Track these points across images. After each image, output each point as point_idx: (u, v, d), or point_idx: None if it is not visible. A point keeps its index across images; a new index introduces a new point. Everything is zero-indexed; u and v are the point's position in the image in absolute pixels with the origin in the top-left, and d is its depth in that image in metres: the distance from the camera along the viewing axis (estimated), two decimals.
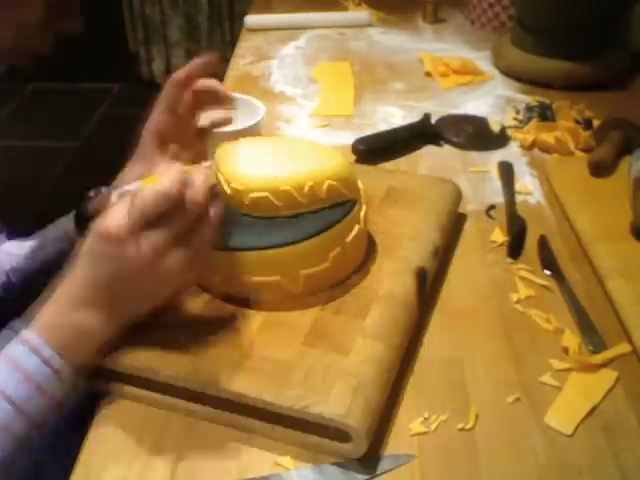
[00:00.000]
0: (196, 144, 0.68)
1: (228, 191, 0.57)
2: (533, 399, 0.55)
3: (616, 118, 0.92)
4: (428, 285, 0.63)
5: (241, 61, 1.23)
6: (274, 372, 0.51)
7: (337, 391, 0.49)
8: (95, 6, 2.98)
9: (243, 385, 0.50)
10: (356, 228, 0.60)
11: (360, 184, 0.62)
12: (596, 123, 0.95)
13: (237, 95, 0.90)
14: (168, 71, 3.03)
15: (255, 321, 0.56)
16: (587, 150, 0.89)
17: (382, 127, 0.97)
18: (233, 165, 0.58)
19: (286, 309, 0.57)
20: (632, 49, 1.15)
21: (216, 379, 0.51)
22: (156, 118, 0.66)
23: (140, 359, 0.53)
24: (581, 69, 1.07)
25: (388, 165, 0.88)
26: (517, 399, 0.54)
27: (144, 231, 0.48)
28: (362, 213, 0.61)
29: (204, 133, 0.69)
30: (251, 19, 1.40)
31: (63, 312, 0.50)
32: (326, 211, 0.58)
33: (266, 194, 0.56)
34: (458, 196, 0.75)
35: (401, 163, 0.89)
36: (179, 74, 0.65)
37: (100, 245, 0.49)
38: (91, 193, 0.63)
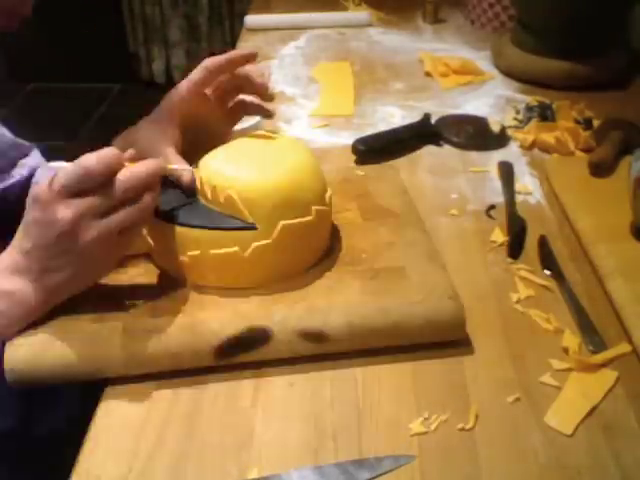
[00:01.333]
0: (223, 131, 0.69)
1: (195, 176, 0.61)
2: (533, 399, 0.55)
3: (616, 118, 0.92)
4: (268, 353, 0.57)
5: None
6: None
7: None
8: (95, 6, 3.00)
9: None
10: (231, 249, 0.58)
11: (291, 221, 0.58)
12: (596, 123, 0.95)
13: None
14: (168, 71, 3.03)
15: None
16: (587, 150, 0.89)
17: (382, 127, 0.97)
18: (209, 159, 0.61)
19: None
20: (632, 49, 1.15)
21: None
22: (181, 91, 0.64)
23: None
24: (581, 69, 1.07)
25: (388, 165, 0.88)
26: (517, 399, 0.54)
27: (69, 199, 0.50)
28: (257, 243, 0.58)
29: (232, 119, 0.69)
30: (251, 19, 1.40)
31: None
32: (222, 216, 0.58)
33: (200, 182, 0.60)
34: (451, 321, 0.59)
35: (401, 163, 0.89)
36: (217, 58, 0.65)
37: (30, 209, 0.51)
38: None
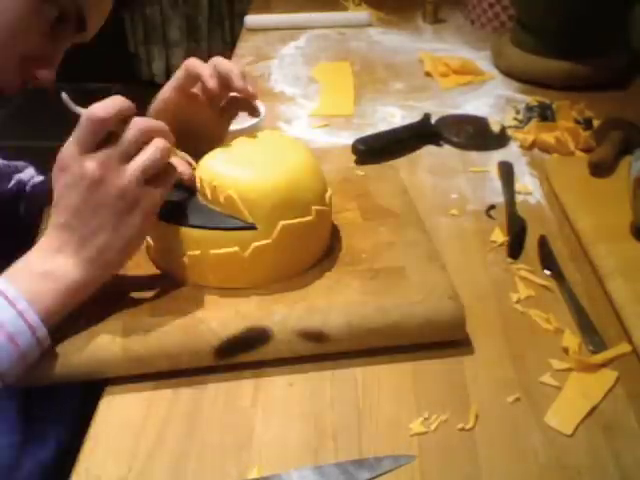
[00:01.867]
0: (218, 131, 0.68)
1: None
2: (533, 399, 0.55)
3: (616, 118, 0.92)
4: (267, 353, 0.56)
5: (241, 61, 1.23)
6: None
7: None
8: None
9: None
10: (231, 249, 0.58)
11: (291, 221, 0.58)
12: (596, 123, 0.95)
13: (237, 95, 0.90)
14: (168, 71, 3.03)
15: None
16: (587, 150, 0.89)
17: (382, 127, 0.97)
18: (210, 156, 0.61)
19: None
20: (632, 49, 1.15)
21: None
22: (163, 93, 0.66)
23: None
24: (581, 69, 1.07)
25: (388, 165, 0.88)
26: (517, 399, 0.54)
27: (91, 152, 0.50)
28: (256, 244, 0.58)
29: (227, 118, 0.68)
30: (251, 19, 1.40)
31: (35, 260, 0.52)
32: (222, 216, 0.58)
33: (200, 180, 0.59)
34: (450, 322, 0.59)
35: (401, 163, 0.89)
36: (196, 60, 0.64)
37: (57, 179, 0.52)
38: None
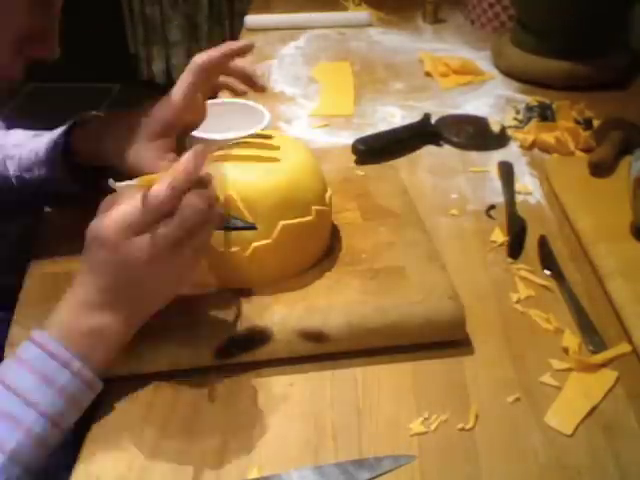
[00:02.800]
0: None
1: None
2: (533, 399, 0.55)
3: (616, 118, 0.92)
4: (267, 353, 0.56)
5: (241, 61, 1.23)
6: None
7: None
8: (95, 6, 2.99)
9: None
10: (232, 249, 0.58)
11: (291, 221, 0.58)
12: (596, 123, 0.95)
13: (240, 101, 0.90)
14: (168, 71, 3.03)
15: None
16: (587, 150, 0.89)
17: (382, 127, 0.97)
18: (210, 156, 0.60)
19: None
20: (632, 49, 1.15)
21: None
22: (175, 102, 0.62)
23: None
24: (581, 69, 1.07)
25: (388, 165, 0.88)
26: (517, 399, 0.54)
27: (138, 236, 0.48)
28: (256, 244, 0.58)
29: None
30: (251, 19, 1.40)
31: (79, 318, 0.49)
32: (226, 217, 0.56)
33: None
34: (450, 322, 0.59)
35: (401, 163, 0.89)
36: (211, 55, 0.62)
37: (95, 251, 0.49)
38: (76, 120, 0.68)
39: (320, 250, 0.64)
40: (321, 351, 0.57)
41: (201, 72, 0.62)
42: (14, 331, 0.58)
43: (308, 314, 0.57)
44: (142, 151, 0.62)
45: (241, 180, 0.58)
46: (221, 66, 0.64)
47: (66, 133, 0.68)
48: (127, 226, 0.47)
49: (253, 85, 0.68)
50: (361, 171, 0.80)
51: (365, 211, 0.71)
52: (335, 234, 0.67)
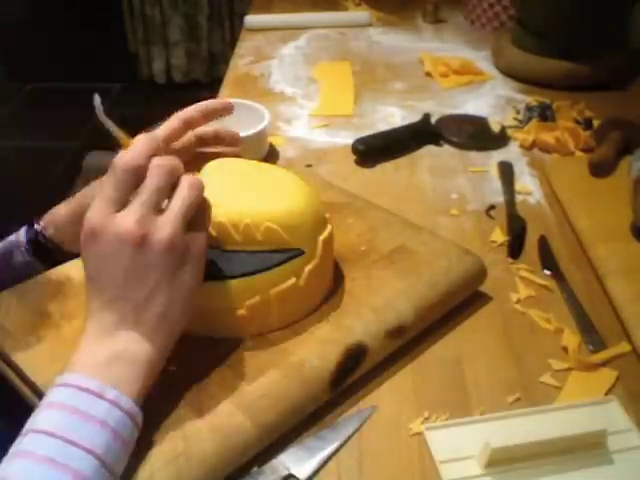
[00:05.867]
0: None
1: None
2: (533, 399, 0.55)
3: (616, 118, 0.92)
4: (364, 368, 0.55)
5: (241, 61, 1.23)
6: None
7: (157, 450, 0.45)
8: (95, 6, 3.00)
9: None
10: (290, 281, 0.54)
11: (326, 233, 0.56)
12: (596, 123, 0.95)
13: (240, 101, 0.90)
14: (168, 71, 3.03)
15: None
16: (587, 150, 0.89)
17: (382, 127, 0.97)
18: (215, 197, 0.55)
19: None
20: (632, 49, 1.15)
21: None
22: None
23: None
24: (581, 69, 1.07)
25: (388, 165, 0.89)
26: (517, 399, 0.54)
27: (121, 211, 0.45)
28: (309, 267, 0.55)
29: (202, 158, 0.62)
30: (251, 19, 1.40)
31: (97, 349, 0.45)
32: (264, 254, 0.53)
33: (222, 225, 0.52)
34: (477, 274, 0.64)
35: (401, 163, 0.89)
36: (190, 112, 0.60)
37: (90, 246, 0.46)
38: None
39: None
40: (402, 343, 0.58)
41: (177, 123, 0.59)
42: None
43: (381, 315, 0.57)
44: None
45: (274, 209, 0.54)
46: (199, 121, 0.60)
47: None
48: (106, 204, 0.45)
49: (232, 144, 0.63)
50: None
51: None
52: None
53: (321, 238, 0.56)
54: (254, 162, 0.61)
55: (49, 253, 0.64)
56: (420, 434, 0.51)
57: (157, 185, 0.46)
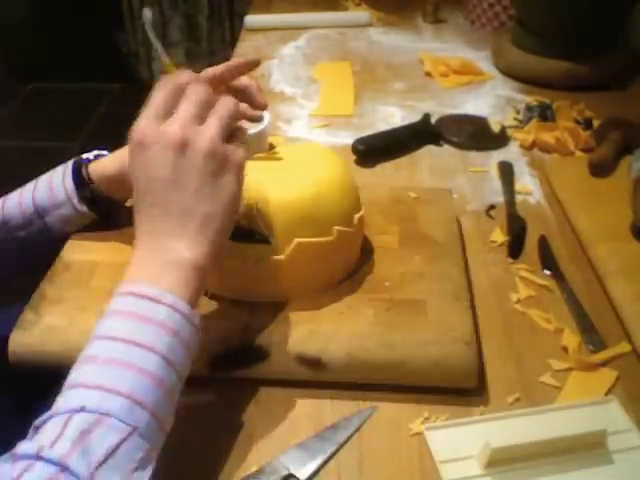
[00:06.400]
0: None
1: None
2: (533, 399, 0.55)
3: (616, 118, 0.92)
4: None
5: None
6: None
7: None
8: (95, 6, 2.99)
9: None
10: (234, 259, 0.56)
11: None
12: (596, 123, 0.95)
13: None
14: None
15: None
16: (587, 150, 0.89)
17: (382, 127, 0.97)
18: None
19: None
20: (632, 49, 1.15)
21: None
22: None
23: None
24: (581, 69, 1.07)
25: (388, 165, 0.88)
26: (517, 399, 0.54)
27: (166, 120, 0.47)
28: (274, 257, 0.56)
29: None
30: (251, 19, 1.40)
31: (150, 259, 0.47)
32: (244, 229, 0.55)
33: None
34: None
35: (401, 163, 0.89)
36: (215, 70, 0.61)
37: (136, 158, 0.48)
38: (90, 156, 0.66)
39: (340, 273, 0.61)
40: (317, 379, 0.55)
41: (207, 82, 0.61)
42: (27, 316, 0.58)
43: (309, 338, 0.55)
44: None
45: (261, 192, 0.56)
46: (226, 78, 0.62)
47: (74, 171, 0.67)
48: (152, 116, 0.47)
49: (253, 103, 0.65)
50: (414, 193, 0.74)
51: (404, 236, 0.67)
52: (365, 257, 0.63)
53: (298, 240, 0.56)
54: (315, 145, 0.67)
55: (99, 204, 0.67)
56: (420, 434, 0.51)
57: (199, 97, 0.48)
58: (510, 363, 0.58)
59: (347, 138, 0.93)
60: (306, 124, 1.00)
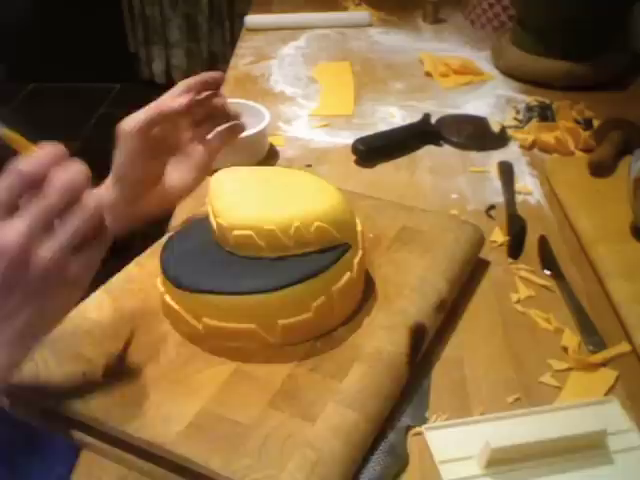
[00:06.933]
0: (193, 149, 0.66)
1: (214, 225, 0.55)
2: (533, 399, 0.54)
3: (616, 118, 0.92)
4: (426, 343, 0.57)
5: (241, 61, 1.23)
6: (229, 436, 0.46)
7: (293, 466, 0.44)
8: (95, 6, 2.99)
9: (191, 448, 0.45)
10: (346, 276, 0.54)
11: (359, 225, 0.58)
12: (596, 123, 0.95)
13: (240, 101, 0.90)
14: (168, 71, 3.03)
15: (224, 371, 0.51)
16: (587, 150, 0.89)
17: (382, 127, 0.97)
18: (221, 198, 0.55)
19: (260, 360, 0.52)
20: (632, 49, 1.15)
21: (163, 438, 0.46)
22: (142, 117, 0.61)
23: (89, 405, 0.48)
24: (581, 69, 1.07)
25: (388, 165, 0.89)
26: (517, 399, 0.54)
27: (8, 217, 0.41)
28: (356, 259, 0.56)
29: (212, 146, 0.66)
30: (251, 19, 1.40)
31: None
32: (314, 255, 0.53)
33: (249, 233, 0.52)
34: (479, 241, 0.68)
35: (401, 163, 0.89)
36: (189, 80, 0.63)
37: None
38: None
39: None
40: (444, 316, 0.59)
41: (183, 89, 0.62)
42: None
43: (422, 294, 0.58)
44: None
45: (320, 208, 0.54)
46: (198, 89, 0.63)
47: None
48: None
49: (229, 116, 0.66)
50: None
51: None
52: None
53: (359, 229, 0.57)
54: (266, 168, 0.62)
55: None
56: (420, 434, 0.51)
57: (51, 201, 0.42)
58: (510, 363, 0.58)
59: (347, 138, 0.93)
60: (306, 124, 1.00)
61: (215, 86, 0.65)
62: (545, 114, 0.98)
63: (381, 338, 0.54)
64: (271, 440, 0.46)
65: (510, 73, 1.14)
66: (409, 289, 0.59)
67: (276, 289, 0.51)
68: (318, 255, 0.53)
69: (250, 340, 0.52)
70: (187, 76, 0.64)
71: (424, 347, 0.56)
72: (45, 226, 0.42)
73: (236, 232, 0.52)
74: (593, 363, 0.57)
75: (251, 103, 0.91)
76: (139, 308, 0.57)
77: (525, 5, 1.13)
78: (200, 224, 0.58)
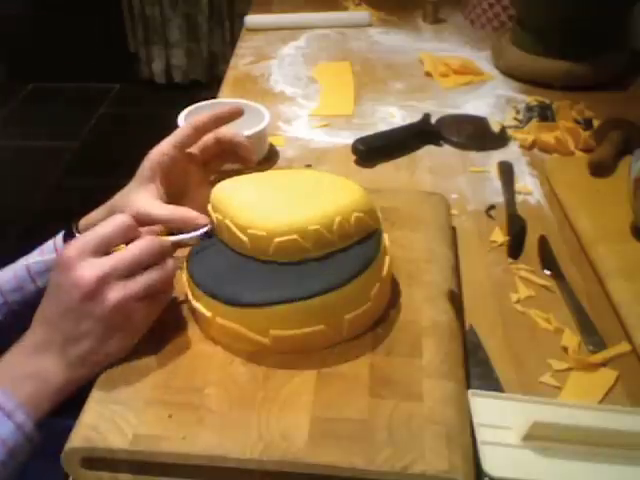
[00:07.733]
0: (199, 192, 0.66)
1: (244, 239, 0.52)
2: None
3: (616, 118, 0.92)
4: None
5: (241, 61, 1.23)
6: (353, 434, 0.46)
7: (430, 444, 0.45)
8: (95, 6, 3.00)
9: (329, 455, 0.44)
10: (387, 259, 0.56)
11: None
12: (596, 123, 0.95)
13: (240, 101, 0.90)
14: (168, 71, 3.03)
15: (308, 378, 0.50)
16: (587, 150, 0.89)
17: (382, 127, 0.97)
18: (246, 209, 0.54)
19: (335, 359, 0.52)
20: (632, 49, 1.15)
21: (295, 453, 0.45)
22: (163, 148, 0.63)
23: (198, 444, 0.46)
24: (581, 69, 1.07)
25: (388, 165, 0.89)
26: None
27: (92, 259, 0.49)
28: (384, 242, 0.57)
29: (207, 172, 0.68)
30: (251, 19, 1.40)
31: (22, 361, 0.50)
32: (356, 247, 0.54)
33: (294, 237, 0.51)
34: (448, 207, 0.72)
35: (401, 163, 0.89)
36: (201, 118, 0.64)
37: (53, 275, 0.51)
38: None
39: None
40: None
41: (190, 129, 0.64)
42: None
43: (438, 263, 0.62)
44: (130, 193, 0.62)
45: (353, 200, 0.55)
46: (211, 125, 0.65)
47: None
48: (88, 246, 0.49)
49: (240, 158, 0.67)
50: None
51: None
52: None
53: (379, 214, 0.58)
54: (262, 173, 0.62)
55: None
56: None
57: (136, 259, 0.50)
58: (510, 363, 0.58)
59: (347, 138, 0.93)
60: (306, 124, 1.00)
61: (229, 120, 0.66)
62: (545, 114, 0.98)
63: (429, 311, 0.57)
64: (395, 426, 0.47)
65: (510, 73, 1.14)
66: (424, 262, 0.62)
67: (342, 285, 0.51)
68: (359, 246, 0.54)
69: (319, 342, 0.53)
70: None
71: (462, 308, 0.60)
72: (125, 274, 0.49)
73: (278, 239, 0.51)
74: (593, 363, 0.57)
75: (251, 103, 0.91)
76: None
77: (525, 5, 1.13)
78: (208, 243, 0.56)
